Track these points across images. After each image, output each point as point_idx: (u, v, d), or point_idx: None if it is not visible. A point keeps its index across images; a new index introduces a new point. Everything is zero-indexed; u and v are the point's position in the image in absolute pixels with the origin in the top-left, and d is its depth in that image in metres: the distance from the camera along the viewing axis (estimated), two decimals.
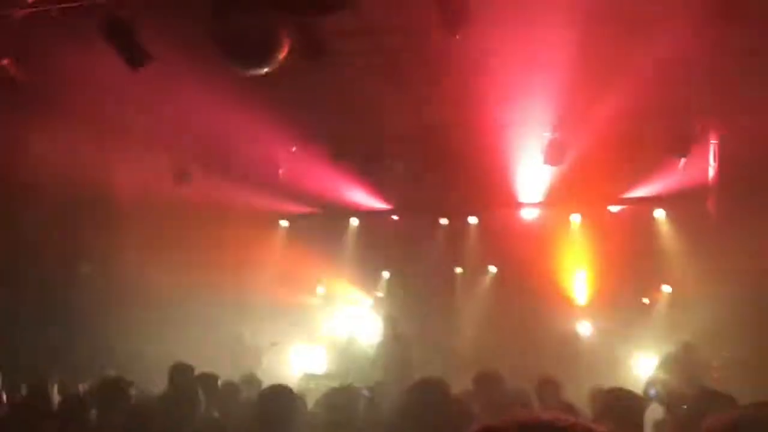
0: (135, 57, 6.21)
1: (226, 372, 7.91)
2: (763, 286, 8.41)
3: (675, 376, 7.95)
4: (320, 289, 12.12)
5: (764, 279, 8.37)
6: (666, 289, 10.60)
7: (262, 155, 10.16)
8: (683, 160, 9.14)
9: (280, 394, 4.51)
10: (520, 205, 11.01)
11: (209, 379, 5.51)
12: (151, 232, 9.48)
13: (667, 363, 8.23)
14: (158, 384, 5.94)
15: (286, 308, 11.13)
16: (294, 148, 10.20)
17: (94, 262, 9.85)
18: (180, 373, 5.84)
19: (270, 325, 10.52)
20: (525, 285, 10.92)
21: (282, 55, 5.73)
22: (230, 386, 5.73)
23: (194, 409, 4.90)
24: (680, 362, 8.09)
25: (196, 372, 5.77)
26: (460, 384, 5.17)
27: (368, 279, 12.08)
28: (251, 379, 6.54)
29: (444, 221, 11.65)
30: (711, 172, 9.50)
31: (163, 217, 9.60)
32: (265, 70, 5.76)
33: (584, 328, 11.00)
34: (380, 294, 12.05)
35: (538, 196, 10.76)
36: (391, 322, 9.46)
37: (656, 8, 6.42)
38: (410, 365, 8.73)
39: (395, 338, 9.18)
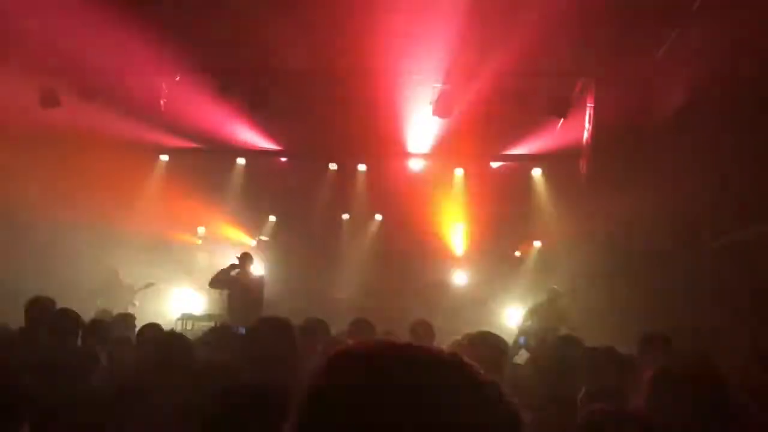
0: None
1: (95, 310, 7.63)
2: (615, 244, 9.15)
3: (540, 323, 8.58)
4: (201, 230, 11.77)
5: (618, 238, 9.10)
6: (537, 243, 11.24)
7: (143, 83, 9.53)
8: (561, 121, 9.60)
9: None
10: (408, 155, 11.17)
11: (68, 315, 5.21)
12: (15, 160, 8.71)
13: (534, 312, 8.83)
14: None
15: (164, 247, 10.74)
16: (178, 78, 9.63)
17: None
18: (39, 308, 5.49)
19: (146, 265, 10.11)
20: (408, 234, 11.19)
21: None
22: (100, 323, 5.47)
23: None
24: (544, 311, 8.71)
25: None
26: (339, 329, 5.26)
27: (253, 222, 11.88)
28: (125, 318, 6.29)
29: (333, 166, 11.61)
30: (585, 135, 10.05)
31: (29, 144, 8.84)
32: None
33: (460, 278, 11.49)
34: (264, 237, 11.90)
35: (426, 147, 10.95)
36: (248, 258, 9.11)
37: None
38: (291, 309, 8.68)
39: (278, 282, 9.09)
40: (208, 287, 10.69)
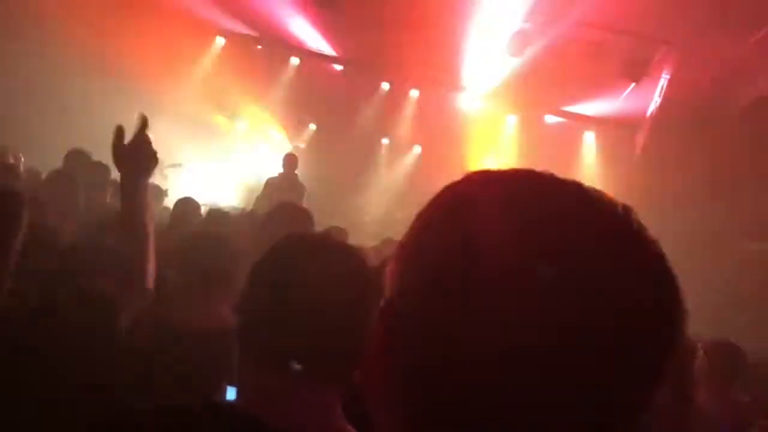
0: None
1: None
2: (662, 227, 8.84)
3: None
4: (242, 120, 11.66)
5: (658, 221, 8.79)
6: None
7: None
8: (632, 86, 9.17)
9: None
10: (464, 89, 10.82)
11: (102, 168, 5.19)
12: (60, 26, 8.53)
13: None
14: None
15: (202, 128, 10.65)
16: None
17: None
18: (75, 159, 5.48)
19: (182, 140, 10.02)
20: (445, 171, 10.94)
21: None
22: None
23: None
24: None
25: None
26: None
27: (294, 125, 11.71)
28: (156, 190, 6.29)
29: (386, 86, 11.31)
30: (651, 107, 9.62)
31: (74, 9, 8.63)
32: None
33: None
34: (301, 145, 11.76)
35: (485, 87, 10.58)
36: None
37: None
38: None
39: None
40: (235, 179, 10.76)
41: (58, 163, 5.51)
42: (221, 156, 11.14)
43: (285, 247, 1.32)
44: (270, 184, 8.36)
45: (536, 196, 0.66)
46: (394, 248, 0.73)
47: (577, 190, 0.67)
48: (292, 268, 1.25)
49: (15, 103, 8.60)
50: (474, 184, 0.72)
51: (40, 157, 6.58)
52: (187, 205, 5.15)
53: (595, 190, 0.68)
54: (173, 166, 9.74)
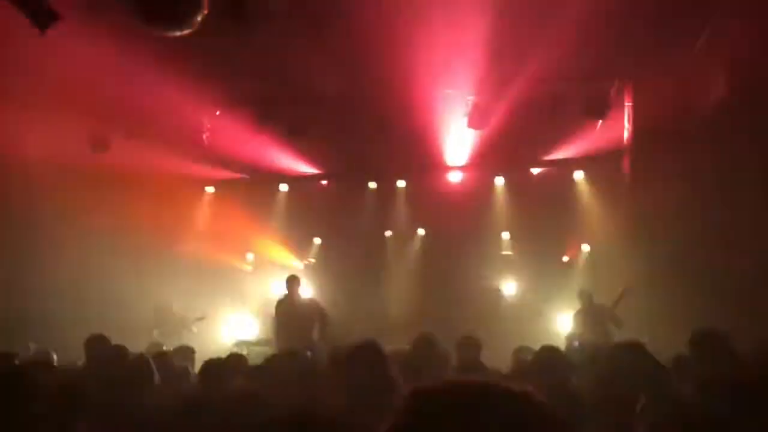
0: (42, 17, 5.86)
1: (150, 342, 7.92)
2: (670, 243, 8.96)
3: (580, 327, 8.50)
4: (249, 256, 12.03)
5: (670, 236, 8.92)
6: (585, 247, 11.10)
7: (185, 120, 9.86)
8: (600, 122, 9.50)
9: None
10: (446, 167, 11.20)
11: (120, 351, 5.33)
12: (70, 202, 9.11)
13: (575, 316, 8.75)
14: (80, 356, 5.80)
15: (215, 275, 11.01)
16: (218, 113, 9.93)
17: (13, 232, 9.40)
18: (95, 346, 5.67)
19: (198, 294, 10.39)
20: (452, 246, 11.22)
21: (201, 16, 5.54)
22: (163, 356, 5.64)
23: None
24: (583, 314, 8.61)
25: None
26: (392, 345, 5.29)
27: (299, 245, 12.08)
28: (184, 350, 6.48)
29: (373, 185, 11.73)
30: (626, 134, 9.91)
31: (81, 186, 9.23)
32: (184, 31, 5.56)
33: (510, 286, 11.41)
34: (312, 260, 12.09)
35: (463, 159, 10.97)
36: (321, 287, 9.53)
37: None
38: (344, 329, 8.86)
39: (328, 303, 9.26)
40: (259, 313, 11.00)
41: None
42: (238, 292, 11.45)
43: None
44: (281, 311, 8.55)
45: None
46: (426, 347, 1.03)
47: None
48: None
49: (34, 296, 8.99)
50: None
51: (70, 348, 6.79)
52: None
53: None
54: (198, 319, 10.04)
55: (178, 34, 5.66)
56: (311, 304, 8.60)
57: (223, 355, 5.46)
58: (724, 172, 8.43)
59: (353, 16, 7.54)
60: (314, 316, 8.24)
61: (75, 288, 9.39)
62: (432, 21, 7.56)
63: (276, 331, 8.31)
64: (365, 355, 3.49)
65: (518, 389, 1.22)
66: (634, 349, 4.39)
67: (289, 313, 8.23)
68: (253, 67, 8.71)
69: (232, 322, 11.06)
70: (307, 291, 11.44)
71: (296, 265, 12.06)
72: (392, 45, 8.13)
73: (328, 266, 11.63)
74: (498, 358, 5.86)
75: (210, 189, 11.55)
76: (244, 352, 9.42)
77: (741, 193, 8.21)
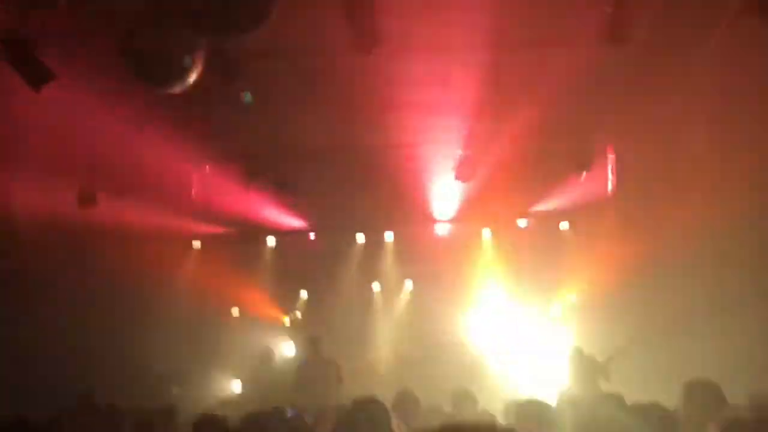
0: (36, 76, 5.92)
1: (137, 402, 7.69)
2: (656, 293, 9.06)
3: (574, 381, 8.44)
4: (235, 311, 11.86)
5: (656, 286, 9.03)
6: (573, 298, 11.11)
7: (174, 175, 9.87)
8: (585, 174, 9.67)
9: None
10: (433, 220, 11.26)
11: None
12: (57, 257, 8.99)
13: (567, 370, 8.71)
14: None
15: (200, 331, 10.82)
16: (207, 168, 9.97)
17: None
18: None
19: (182, 350, 10.17)
20: (441, 298, 11.20)
21: (194, 74, 5.63)
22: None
23: None
24: (575, 367, 8.58)
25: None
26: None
27: (285, 299, 11.96)
28: (170, 409, 6.32)
29: (360, 237, 11.74)
30: (610, 185, 10.09)
31: (69, 241, 9.13)
32: (179, 89, 5.64)
33: (497, 339, 11.35)
34: (298, 314, 11.96)
35: (451, 211, 11.05)
36: (313, 342, 9.46)
37: (556, 32, 6.82)
38: (334, 385, 8.78)
39: (317, 359, 9.17)
40: (242, 371, 10.79)
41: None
42: (224, 349, 11.25)
43: None
44: (302, 375, 8.53)
45: None
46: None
47: None
48: None
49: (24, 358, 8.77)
50: None
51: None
52: None
53: None
54: (181, 381, 9.73)
55: (171, 90, 5.74)
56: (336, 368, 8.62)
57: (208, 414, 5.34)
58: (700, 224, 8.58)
59: (342, 72, 7.71)
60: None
61: (56, 344, 9.17)
62: (420, 77, 7.75)
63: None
64: (369, 410, 3.48)
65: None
66: (613, 400, 4.37)
67: (315, 379, 8.22)
68: (242, 122, 8.81)
69: (216, 379, 10.83)
70: (292, 346, 11.36)
71: (282, 319, 11.94)
72: (380, 99, 8.30)
73: (314, 320, 11.50)
74: (490, 411, 5.79)
75: (197, 243, 11.46)
76: (228, 412, 9.24)
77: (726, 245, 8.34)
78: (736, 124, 7.72)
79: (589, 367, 8.48)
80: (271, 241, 11.69)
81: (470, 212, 10.84)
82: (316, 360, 9.28)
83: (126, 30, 5.41)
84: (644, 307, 9.17)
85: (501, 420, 5.23)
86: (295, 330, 11.57)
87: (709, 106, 7.99)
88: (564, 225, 11.17)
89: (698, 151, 8.67)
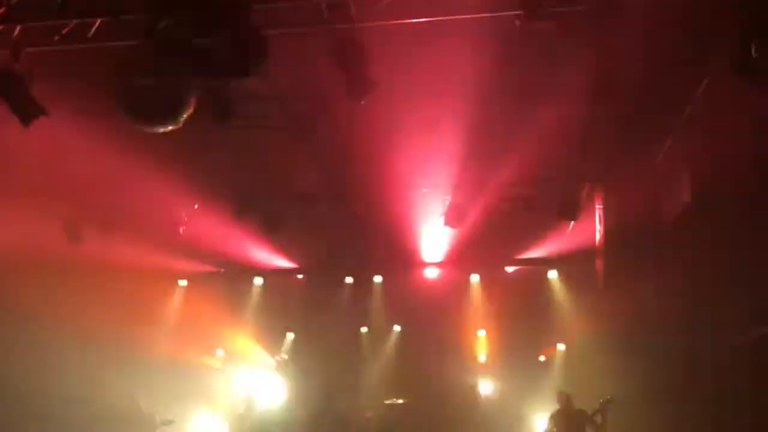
0: (27, 111, 5.95)
1: None
2: (635, 343, 9.07)
3: (563, 430, 8.39)
4: (220, 351, 11.73)
5: (637, 336, 9.03)
6: (560, 346, 11.07)
7: (163, 213, 9.86)
8: (572, 223, 9.73)
9: None
10: (422, 264, 11.26)
11: None
12: (44, 293, 8.90)
13: (552, 418, 8.70)
14: None
15: (184, 371, 10.66)
16: (196, 206, 9.96)
17: None
18: None
19: (167, 391, 10.00)
20: (428, 343, 11.12)
21: (187, 115, 5.68)
22: None
23: None
24: (560, 416, 8.57)
25: None
26: None
27: (272, 340, 11.85)
28: None
29: (349, 280, 11.70)
30: (597, 235, 10.14)
31: (56, 278, 9.05)
32: (170, 128, 5.67)
33: (484, 385, 11.24)
34: (284, 356, 11.83)
35: (439, 256, 11.06)
36: (296, 385, 9.33)
37: (542, 85, 6.96)
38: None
39: (300, 403, 9.05)
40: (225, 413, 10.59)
41: None
42: (209, 390, 11.08)
43: None
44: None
45: None
46: None
47: None
48: None
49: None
50: None
51: None
52: None
53: None
54: (166, 423, 9.54)
55: (162, 130, 5.77)
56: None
57: None
58: (693, 273, 8.61)
59: (333, 116, 7.80)
60: None
61: (40, 382, 9.02)
62: (410, 124, 7.86)
63: None
64: None
65: None
66: None
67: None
68: (232, 162, 8.86)
69: (200, 422, 10.63)
70: (278, 388, 11.18)
71: (268, 360, 11.80)
72: (370, 144, 8.39)
73: (301, 362, 11.37)
74: None
75: (183, 282, 11.39)
76: None
77: (710, 294, 8.35)
78: (718, 186, 7.80)
79: (576, 415, 8.46)
80: (258, 281, 11.63)
81: (459, 258, 10.85)
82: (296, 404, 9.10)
83: (121, 68, 5.46)
84: (629, 363, 9.14)
85: None
86: (281, 372, 11.43)
87: (692, 166, 8.11)
88: (552, 273, 11.19)
89: (682, 211, 8.75)
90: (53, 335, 9.09)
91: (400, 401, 10.35)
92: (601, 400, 8.41)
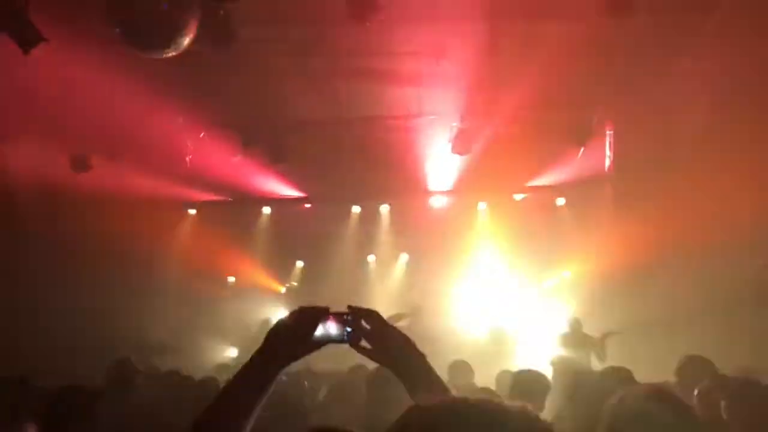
0: (27, 38, 5.84)
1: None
2: (646, 269, 9.10)
3: (567, 352, 8.54)
4: (230, 279, 11.91)
5: (649, 269, 9.06)
6: (566, 274, 11.15)
7: (169, 141, 9.79)
8: (582, 150, 9.61)
9: None
10: (429, 193, 11.23)
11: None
12: (50, 223, 8.98)
13: (562, 341, 8.82)
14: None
15: (195, 300, 10.86)
16: (202, 135, 9.88)
17: None
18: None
19: (178, 318, 10.23)
20: (435, 271, 11.23)
21: (187, 40, 5.55)
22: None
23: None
24: (569, 340, 8.71)
25: None
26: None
27: (281, 268, 12.00)
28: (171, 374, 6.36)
29: (356, 209, 11.72)
30: (607, 161, 10.03)
31: (61, 207, 9.10)
32: (168, 54, 5.56)
33: (492, 314, 11.40)
34: (294, 284, 12.02)
35: (447, 184, 11.02)
36: None
37: (554, 4, 6.71)
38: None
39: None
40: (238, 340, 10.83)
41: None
42: (219, 318, 11.31)
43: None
44: None
45: None
46: None
47: None
48: None
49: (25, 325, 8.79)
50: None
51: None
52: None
53: None
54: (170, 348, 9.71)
55: (164, 56, 5.66)
56: None
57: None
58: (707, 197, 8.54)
59: (337, 43, 7.61)
60: None
61: (46, 308, 9.21)
62: (418, 48, 7.65)
63: None
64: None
65: (515, 406, 1.19)
66: (622, 373, 4.40)
67: None
68: (238, 90, 8.72)
69: (211, 347, 10.91)
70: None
71: (278, 288, 12.00)
72: (376, 72, 8.22)
73: (310, 290, 11.55)
74: (486, 383, 5.85)
75: (192, 210, 11.45)
76: (226, 377, 9.28)
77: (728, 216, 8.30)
78: (737, 108, 7.62)
79: (585, 341, 8.60)
80: (266, 210, 11.68)
81: (466, 185, 10.80)
82: None
83: None
84: (638, 289, 9.20)
85: (496, 390, 5.30)
86: (290, 300, 11.62)
87: (710, 88, 7.89)
88: (560, 201, 11.15)
89: (697, 134, 8.59)
90: (60, 266, 9.22)
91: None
92: (601, 335, 8.55)
